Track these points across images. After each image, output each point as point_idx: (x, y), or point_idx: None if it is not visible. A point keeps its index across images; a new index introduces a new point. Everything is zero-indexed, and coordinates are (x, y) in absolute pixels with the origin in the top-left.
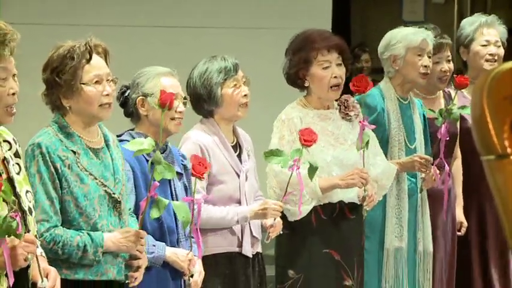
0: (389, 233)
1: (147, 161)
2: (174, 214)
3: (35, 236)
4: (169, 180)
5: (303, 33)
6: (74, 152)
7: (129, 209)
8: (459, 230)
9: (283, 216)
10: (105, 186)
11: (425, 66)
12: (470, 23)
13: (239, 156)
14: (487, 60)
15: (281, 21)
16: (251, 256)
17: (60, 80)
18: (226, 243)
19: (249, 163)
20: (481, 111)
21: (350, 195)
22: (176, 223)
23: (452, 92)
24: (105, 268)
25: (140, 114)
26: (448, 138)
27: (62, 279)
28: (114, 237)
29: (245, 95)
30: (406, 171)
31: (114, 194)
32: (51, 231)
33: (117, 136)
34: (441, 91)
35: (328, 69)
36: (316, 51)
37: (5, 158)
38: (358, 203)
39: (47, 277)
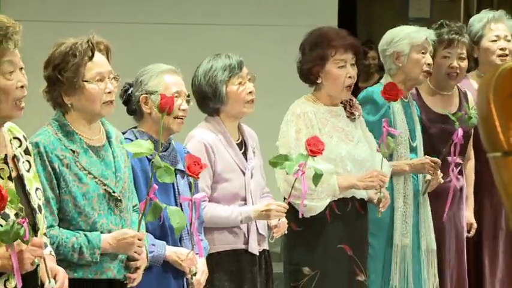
0: (398, 230)
1: (149, 160)
2: None
3: (44, 234)
4: None
5: (318, 30)
6: (73, 151)
7: (134, 205)
8: (469, 231)
9: (294, 214)
10: (104, 185)
11: (429, 64)
12: (478, 20)
13: (244, 153)
14: (498, 56)
15: (286, 18)
16: (257, 254)
17: (62, 78)
18: (232, 241)
19: (255, 160)
20: (487, 109)
21: (360, 192)
22: None
23: (469, 93)
24: (104, 267)
25: (143, 112)
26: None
27: None
28: (112, 239)
29: (250, 92)
30: (415, 172)
31: (114, 192)
32: (46, 231)
33: None
34: (456, 89)
35: (343, 68)
36: (334, 49)
37: (15, 156)
38: (366, 200)
39: (54, 278)
